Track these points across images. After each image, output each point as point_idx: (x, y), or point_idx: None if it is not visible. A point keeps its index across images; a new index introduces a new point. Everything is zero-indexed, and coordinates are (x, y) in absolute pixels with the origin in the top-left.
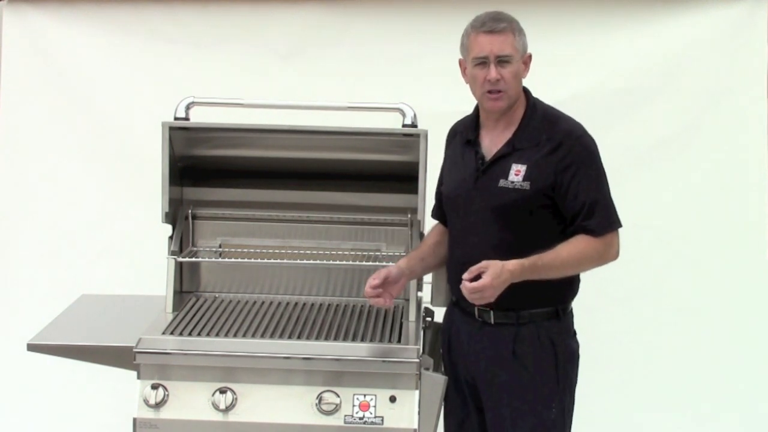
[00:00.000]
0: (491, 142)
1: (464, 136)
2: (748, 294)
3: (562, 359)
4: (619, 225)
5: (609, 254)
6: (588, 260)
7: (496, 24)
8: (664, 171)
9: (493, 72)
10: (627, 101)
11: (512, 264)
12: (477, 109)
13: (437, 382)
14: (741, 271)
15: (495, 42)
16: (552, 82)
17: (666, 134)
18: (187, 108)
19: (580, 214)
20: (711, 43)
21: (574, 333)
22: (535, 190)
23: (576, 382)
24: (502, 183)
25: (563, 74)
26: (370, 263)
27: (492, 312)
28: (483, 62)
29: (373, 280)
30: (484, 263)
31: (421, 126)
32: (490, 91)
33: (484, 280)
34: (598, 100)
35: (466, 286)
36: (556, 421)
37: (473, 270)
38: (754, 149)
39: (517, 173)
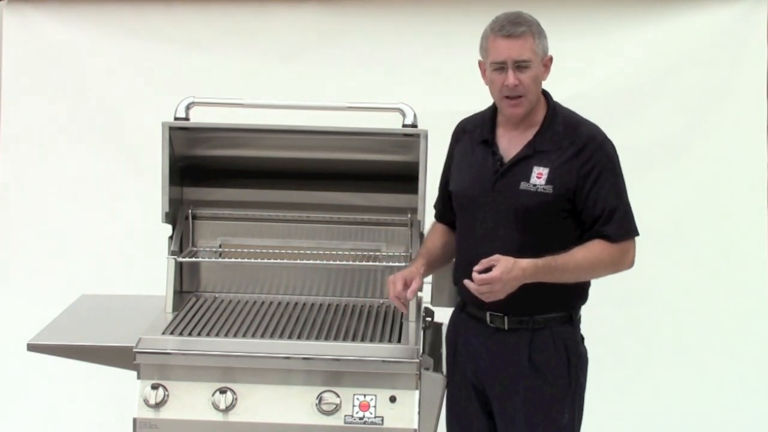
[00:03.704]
0: (509, 143)
1: (478, 135)
2: (747, 294)
3: (574, 364)
4: (637, 233)
5: (624, 262)
6: (602, 266)
7: (514, 28)
8: (664, 171)
9: (511, 78)
10: (627, 101)
11: (525, 262)
12: (493, 109)
13: (437, 382)
14: (741, 270)
15: (513, 47)
16: (552, 82)
17: (666, 134)
18: (187, 108)
19: (599, 220)
20: (711, 42)
21: (582, 337)
22: (558, 194)
23: (585, 386)
24: (523, 186)
25: (563, 74)
26: (370, 263)
27: (506, 317)
28: (501, 67)
29: (396, 286)
30: (495, 257)
31: (421, 126)
32: (508, 97)
33: (493, 273)
34: (599, 100)
35: (474, 278)
36: (568, 425)
37: (484, 262)
38: (754, 149)
39: (539, 176)
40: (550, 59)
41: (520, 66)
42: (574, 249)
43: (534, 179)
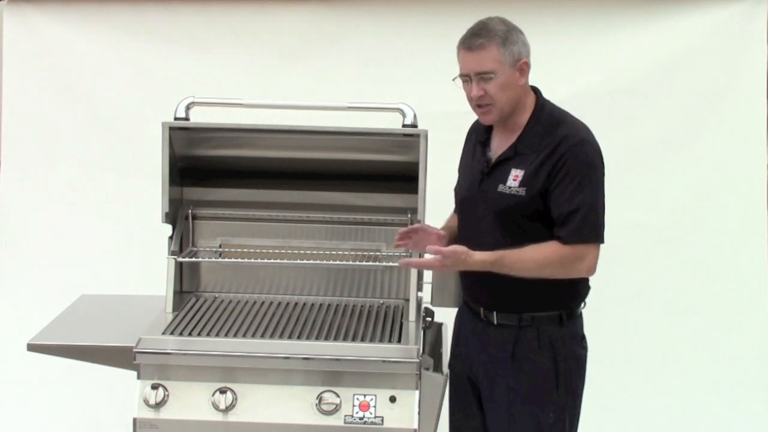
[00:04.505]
0: (498, 145)
1: (478, 136)
2: (747, 294)
3: (563, 364)
4: (598, 240)
5: (577, 267)
6: (551, 266)
7: (473, 40)
8: (664, 171)
9: (474, 89)
10: (627, 101)
11: (479, 254)
12: None
13: (437, 382)
14: (741, 270)
15: (473, 59)
16: (552, 82)
17: (666, 134)
18: (187, 108)
19: (557, 221)
20: (711, 42)
21: (582, 338)
22: (531, 196)
23: (582, 388)
24: (500, 188)
25: (563, 74)
26: (370, 263)
27: (495, 313)
28: (466, 80)
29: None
30: (460, 248)
31: (421, 126)
32: (478, 105)
33: (447, 248)
34: (599, 100)
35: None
36: (555, 426)
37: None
38: (754, 149)
39: (515, 178)
40: (526, 63)
41: (482, 77)
42: (528, 246)
43: (510, 182)
